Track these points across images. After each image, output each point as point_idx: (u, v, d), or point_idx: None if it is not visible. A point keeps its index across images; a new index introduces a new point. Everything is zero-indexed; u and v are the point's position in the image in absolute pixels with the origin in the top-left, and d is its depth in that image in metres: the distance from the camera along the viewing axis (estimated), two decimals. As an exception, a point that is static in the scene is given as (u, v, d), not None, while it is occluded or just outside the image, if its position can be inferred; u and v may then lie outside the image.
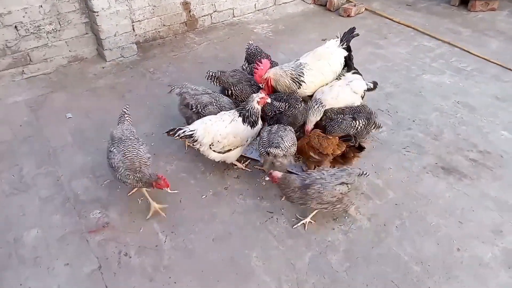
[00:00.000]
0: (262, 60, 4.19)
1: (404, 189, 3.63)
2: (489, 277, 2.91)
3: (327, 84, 4.17)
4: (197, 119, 3.70)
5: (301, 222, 3.31)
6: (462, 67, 5.51)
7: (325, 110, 3.83)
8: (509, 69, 5.38)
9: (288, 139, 3.36)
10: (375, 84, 4.24)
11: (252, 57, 4.73)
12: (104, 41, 5.55)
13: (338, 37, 4.34)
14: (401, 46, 6.17)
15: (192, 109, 3.93)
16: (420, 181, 3.71)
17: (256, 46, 4.86)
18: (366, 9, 7.41)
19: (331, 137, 3.49)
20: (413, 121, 4.47)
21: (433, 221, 3.33)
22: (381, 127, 3.92)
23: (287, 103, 3.83)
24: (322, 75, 4.14)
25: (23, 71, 5.30)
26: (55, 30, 5.33)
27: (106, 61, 5.70)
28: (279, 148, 3.22)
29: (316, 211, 3.28)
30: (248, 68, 4.65)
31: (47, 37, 5.32)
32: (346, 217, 3.38)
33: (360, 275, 2.95)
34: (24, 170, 3.88)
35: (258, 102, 3.60)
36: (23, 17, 5.02)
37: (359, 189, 3.62)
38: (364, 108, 3.88)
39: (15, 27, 5.02)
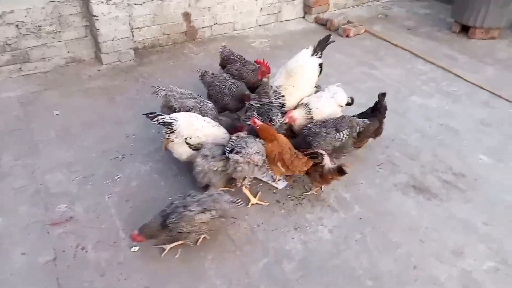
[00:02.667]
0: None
1: (371, 205, 3.60)
2: (442, 298, 2.85)
3: (307, 96, 4.22)
4: None
5: (169, 247, 3.14)
6: (452, 91, 5.49)
7: (308, 125, 3.91)
8: (499, 96, 5.33)
9: (252, 146, 3.32)
10: (352, 99, 4.26)
11: (225, 60, 4.90)
12: (102, 44, 5.72)
13: (312, 47, 4.35)
14: (395, 67, 6.19)
15: (175, 111, 3.99)
16: (388, 198, 3.68)
17: (228, 49, 5.07)
18: (366, 31, 7.48)
19: (301, 157, 3.46)
20: (392, 140, 4.44)
21: (394, 237, 3.28)
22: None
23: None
24: (298, 90, 4.18)
25: (20, 68, 5.48)
26: (55, 31, 5.53)
27: (103, 64, 5.86)
28: (239, 154, 3.23)
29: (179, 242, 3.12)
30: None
31: (47, 37, 5.51)
32: (308, 227, 3.37)
33: (312, 284, 2.91)
34: (3, 160, 3.99)
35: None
36: (25, 16, 5.22)
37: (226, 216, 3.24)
38: (344, 118, 3.90)
39: (16, 25, 5.22)
